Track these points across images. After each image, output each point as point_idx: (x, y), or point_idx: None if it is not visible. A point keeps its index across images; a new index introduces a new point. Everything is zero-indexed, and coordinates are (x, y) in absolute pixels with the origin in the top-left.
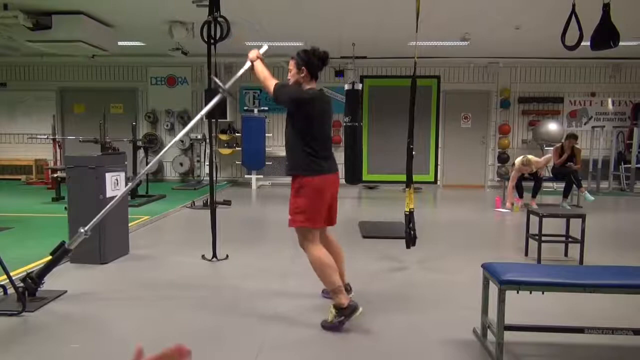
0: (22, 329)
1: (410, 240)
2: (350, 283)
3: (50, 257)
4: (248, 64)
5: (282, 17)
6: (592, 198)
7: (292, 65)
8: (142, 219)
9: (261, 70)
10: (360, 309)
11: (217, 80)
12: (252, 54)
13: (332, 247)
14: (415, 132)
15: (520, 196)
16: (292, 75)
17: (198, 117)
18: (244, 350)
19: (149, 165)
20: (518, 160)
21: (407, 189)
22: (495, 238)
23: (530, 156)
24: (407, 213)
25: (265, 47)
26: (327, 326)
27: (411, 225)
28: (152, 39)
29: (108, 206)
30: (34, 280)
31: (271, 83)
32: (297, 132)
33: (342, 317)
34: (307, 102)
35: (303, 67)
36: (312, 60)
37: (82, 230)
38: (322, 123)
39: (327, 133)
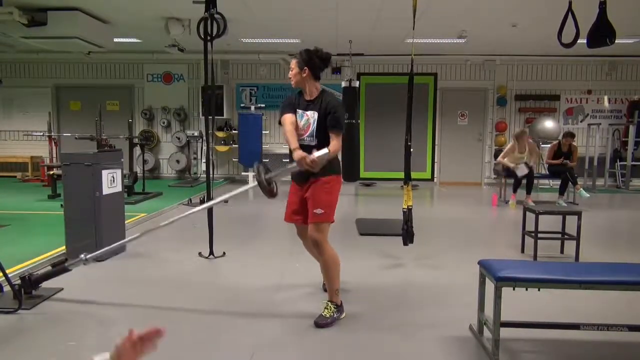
0: (18, 327)
1: (408, 238)
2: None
3: (50, 267)
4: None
5: (279, 14)
6: (588, 195)
7: (293, 64)
8: (138, 216)
9: (324, 154)
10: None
11: (258, 175)
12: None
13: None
14: (412, 130)
15: (514, 191)
16: (293, 75)
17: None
18: (241, 347)
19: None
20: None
21: (405, 186)
22: (491, 235)
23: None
24: (405, 210)
25: (324, 151)
26: (323, 322)
27: (409, 222)
28: (148, 36)
29: (120, 242)
30: (31, 283)
31: (338, 142)
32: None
33: (339, 313)
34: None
35: (305, 67)
36: (314, 61)
37: (82, 257)
38: None
39: None
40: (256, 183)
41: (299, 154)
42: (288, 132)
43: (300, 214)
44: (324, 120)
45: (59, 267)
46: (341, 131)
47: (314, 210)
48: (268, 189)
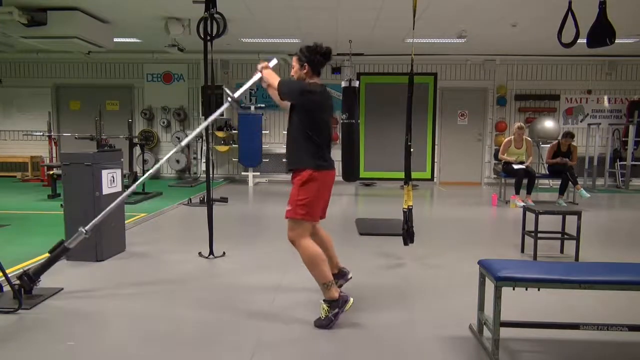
0: (18, 327)
1: (408, 237)
2: (345, 267)
3: (48, 255)
4: (258, 75)
5: (279, 14)
6: (588, 195)
7: (295, 61)
8: (138, 216)
9: (269, 74)
10: (352, 300)
11: (227, 90)
12: (261, 65)
13: (320, 234)
14: (412, 129)
15: (517, 192)
16: (295, 72)
17: (204, 125)
18: (241, 347)
19: (153, 170)
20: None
21: (405, 186)
22: (491, 235)
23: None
24: (406, 210)
25: (274, 61)
26: (322, 323)
27: (409, 222)
28: (148, 36)
29: (111, 206)
30: (30, 277)
31: (276, 81)
32: (304, 126)
33: (336, 310)
34: (314, 94)
35: (305, 64)
36: (315, 57)
37: (82, 230)
38: (325, 118)
39: (330, 129)
40: (228, 103)
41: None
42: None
43: None
44: (294, 106)
45: (59, 249)
46: (280, 87)
47: (286, 207)
48: (239, 105)
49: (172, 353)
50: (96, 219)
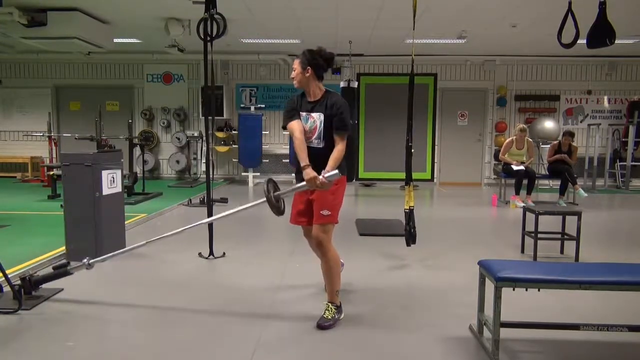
0: (18, 327)
1: (410, 238)
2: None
3: (49, 260)
4: (305, 186)
5: (279, 14)
6: (585, 194)
7: (296, 64)
8: (138, 216)
9: (334, 175)
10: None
11: (267, 192)
12: (322, 181)
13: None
14: (412, 130)
15: (517, 192)
16: (296, 75)
17: (236, 209)
18: (241, 347)
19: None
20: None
21: (406, 187)
22: (491, 235)
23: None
24: (407, 211)
25: (334, 172)
26: (326, 324)
27: (411, 223)
28: (148, 36)
29: (127, 248)
30: (31, 284)
31: (342, 146)
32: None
33: (339, 314)
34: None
35: (308, 67)
36: (318, 61)
37: (85, 261)
38: None
39: None
40: (265, 200)
41: (309, 173)
42: (298, 146)
43: (305, 215)
44: (331, 121)
45: (61, 271)
46: (346, 133)
47: (321, 212)
48: (276, 207)
49: (172, 353)
50: (107, 255)
